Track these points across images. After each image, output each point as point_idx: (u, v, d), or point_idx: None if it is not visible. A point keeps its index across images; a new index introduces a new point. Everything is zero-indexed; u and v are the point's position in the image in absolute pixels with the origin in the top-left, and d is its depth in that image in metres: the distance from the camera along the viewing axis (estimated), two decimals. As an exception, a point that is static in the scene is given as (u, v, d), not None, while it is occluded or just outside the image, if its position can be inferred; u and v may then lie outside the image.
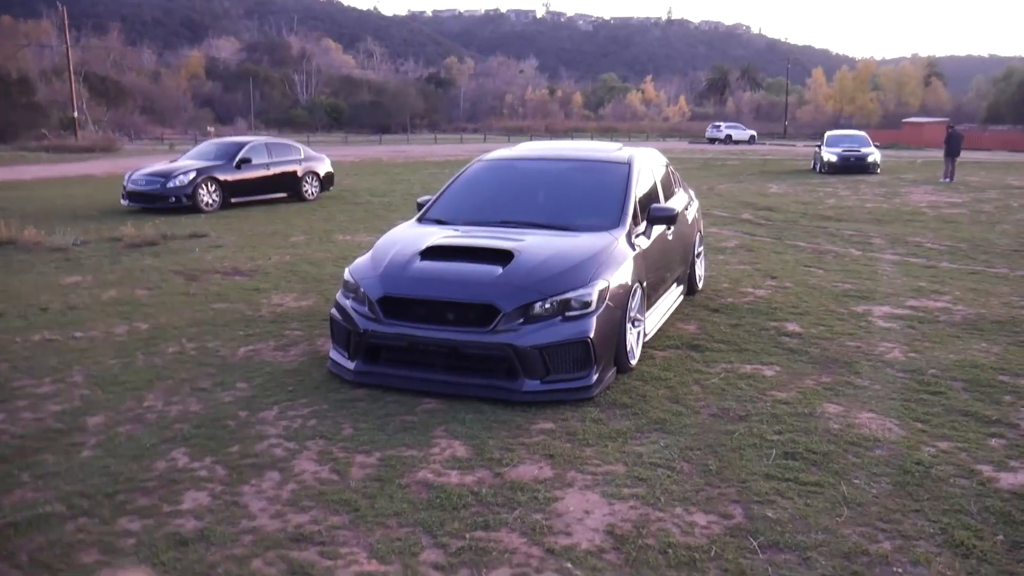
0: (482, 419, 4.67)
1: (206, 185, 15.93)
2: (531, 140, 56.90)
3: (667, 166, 7.79)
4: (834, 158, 26.86)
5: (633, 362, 5.57)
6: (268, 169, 17.39)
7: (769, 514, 3.53)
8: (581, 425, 4.59)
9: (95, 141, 43.65)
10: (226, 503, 3.65)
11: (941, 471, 3.97)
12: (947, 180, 23.72)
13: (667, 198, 7.24)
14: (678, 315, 7.15)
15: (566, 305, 5.00)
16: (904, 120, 68.84)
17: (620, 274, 5.39)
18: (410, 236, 5.88)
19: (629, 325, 5.53)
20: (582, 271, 5.18)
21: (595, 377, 5.03)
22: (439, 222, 6.30)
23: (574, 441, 4.36)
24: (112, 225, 13.12)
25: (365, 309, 5.26)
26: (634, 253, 5.73)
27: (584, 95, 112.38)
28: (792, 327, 6.81)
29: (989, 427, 4.59)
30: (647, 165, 6.93)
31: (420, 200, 6.93)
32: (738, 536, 3.35)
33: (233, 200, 16.52)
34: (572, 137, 68.76)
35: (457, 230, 5.98)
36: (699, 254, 8.22)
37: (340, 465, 4.04)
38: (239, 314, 7.35)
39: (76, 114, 47.38)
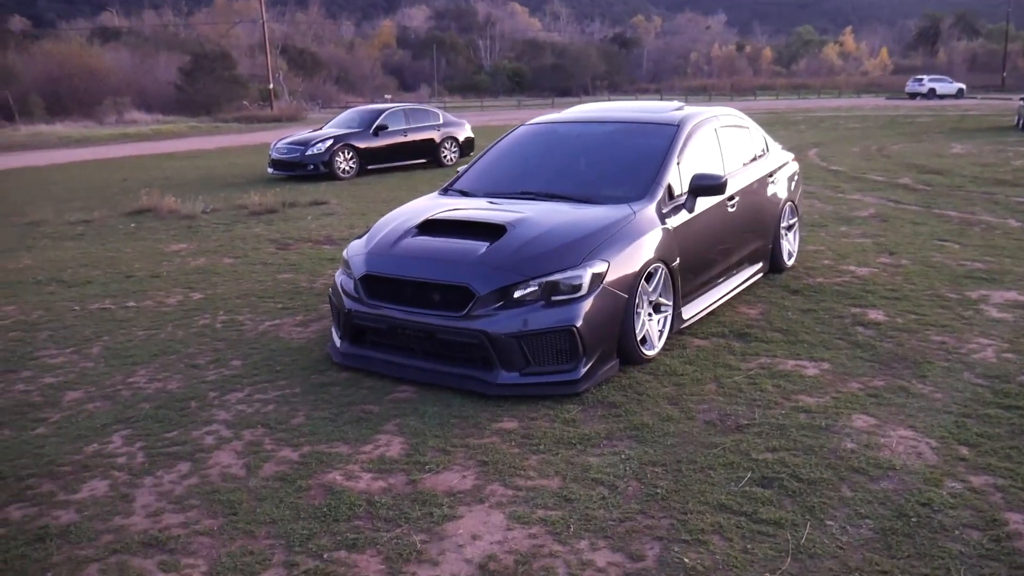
0: (444, 413, 4.25)
1: (342, 152, 16.30)
2: (710, 99, 54.36)
3: (748, 128, 6.87)
4: (1041, 112, 23.50)
5: (650, 353, 4.91)
6: (405, 135, 17.53)
7: (687, 560, 2.87)
8: (548, 426, 4.05)
9: (284, 111, 46.39)
10: (117, 496, 3.47)
11: (951, 517, 3.11)
12: None
13: (742, 165, 6.38)
14: (746, 296, 6.32)
15: (553, 288, 4.44)
16: None
17: (631, 253, 4.72)
18: (415, 210, 5.49)
19: (647, 311, 4.87)
20: (576, 250, 4.58)
21: (584, 371, 4.45)
22: (463, 193, 5.87)
23: (524, 446, 3.84)
24: (249, 193, 13.64)
25: (352, 288, 4.96)
26: (660, 228, 5.03)
27: (775, 50, 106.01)
28: (875, 315, 5.81)
29: (1058, 458, 3.59)
30: (709, 128, 6.10)
31: (460, 169, 6.53)
32: (631, 586, 2.75)
33: (370, 167, 16.81)
34: (756, 96, 65.25)
35: (472, 202, 5.52)
36: (790, 227, 7.25)
37: (257, 460, 3.77)
38: (293, 285, 7.31)
39: (272, 85, 50.41)
